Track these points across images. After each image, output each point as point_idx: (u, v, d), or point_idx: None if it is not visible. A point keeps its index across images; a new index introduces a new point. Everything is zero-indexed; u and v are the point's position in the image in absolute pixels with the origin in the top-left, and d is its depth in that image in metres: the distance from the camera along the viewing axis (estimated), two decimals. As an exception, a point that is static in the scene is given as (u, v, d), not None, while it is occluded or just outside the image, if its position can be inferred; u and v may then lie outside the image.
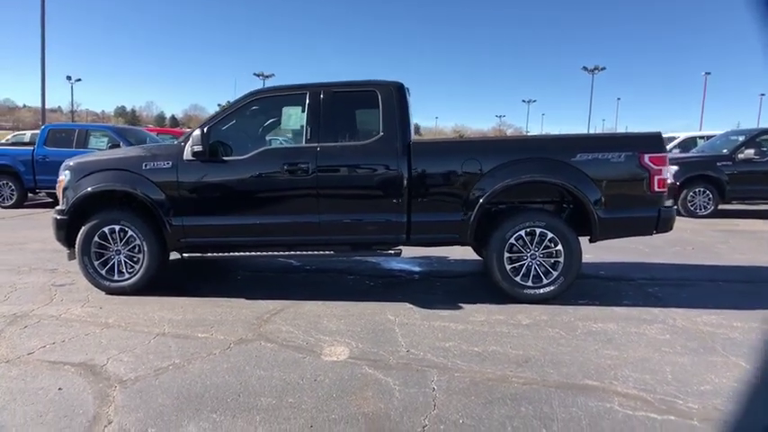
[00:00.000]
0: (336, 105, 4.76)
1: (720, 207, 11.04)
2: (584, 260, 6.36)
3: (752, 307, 4.51)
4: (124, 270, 4.86)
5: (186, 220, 4.74)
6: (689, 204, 10.86)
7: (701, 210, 10.85)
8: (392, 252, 4.75)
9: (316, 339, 3.82)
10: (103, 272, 4.85)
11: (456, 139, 4.99)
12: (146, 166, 4.75)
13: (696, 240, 8.16)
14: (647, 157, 4.48)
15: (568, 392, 3.00)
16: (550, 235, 4.56)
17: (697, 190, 10.90)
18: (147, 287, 4.89)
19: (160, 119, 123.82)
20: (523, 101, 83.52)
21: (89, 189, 4.77)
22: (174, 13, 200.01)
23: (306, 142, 4.68)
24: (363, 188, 4.70)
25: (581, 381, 3.15)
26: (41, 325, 4.10)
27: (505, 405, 2.85)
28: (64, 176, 4.95)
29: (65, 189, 4.91)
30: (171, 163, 4.72)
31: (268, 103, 4.95)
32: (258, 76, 48.63)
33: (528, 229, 4.57)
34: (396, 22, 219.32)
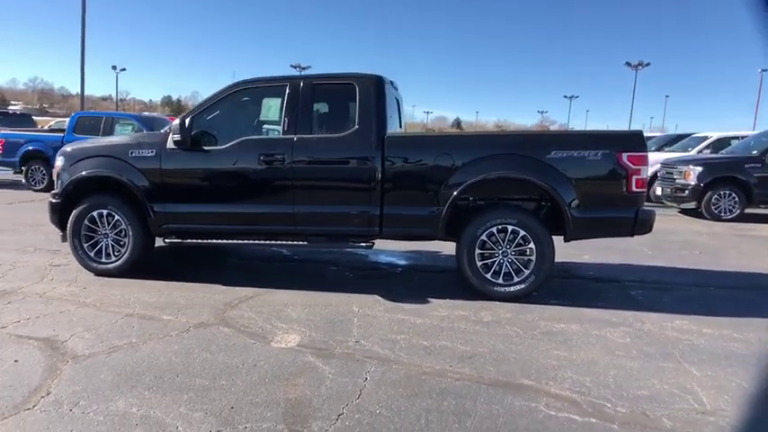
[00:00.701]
0: (315, 97, 4.82)
1: (749, 211, 10.57)
2: (580, 261, 6.34)
3: (731, 314, 4.34)
4: (111, 253, 5.07)
5: (168, 207, 4.91)
6: (713, 207, 10.43)
7: (725, 213, 10.40)
8: (364, 245, 4.79)
9: (272, 326, 3.91)
10: (92, 254, 5.08)
11: (430, 134, 4.99)
12: (131, 153, 4.94)
13: (708, 244, 7.86)
14: (625, 156, 4.36)
15: (499, 390, 2.99)
16: (522, 233, 4.50)
17: (722, 192, 10.45)
18: (137, 270, 5.10)
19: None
20: (565, 96, 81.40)
21: (79, 174, 5.00)
22: (219, 3, 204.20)
23: (283, 133, 4.77)
24: (337, 180, 4.75)
25: (517, 380, 3.13)
26: (24, 301, 4.34)
27: (429, 399, 2.87)
28: (59, 162, 5.21)
29: (59, 174, 5.17)
30: (155, 151, 4.89)
31: (251, 94, 5.06)
32: (295, 67, 49.21)
33: (500, 226, 4.53)
34: (436, 14, 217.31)
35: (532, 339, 3.77)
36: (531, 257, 4.52)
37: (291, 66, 49.23)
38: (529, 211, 4.61)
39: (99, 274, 5.09)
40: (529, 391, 3.00)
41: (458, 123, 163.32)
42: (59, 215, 5.13)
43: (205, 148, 4.84)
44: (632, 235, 4.56)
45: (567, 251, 6.67)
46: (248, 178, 4.81)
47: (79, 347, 3.47)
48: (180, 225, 4.96)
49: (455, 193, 4.51)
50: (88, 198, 5.06)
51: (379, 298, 4.62)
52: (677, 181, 11.06)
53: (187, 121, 4.76)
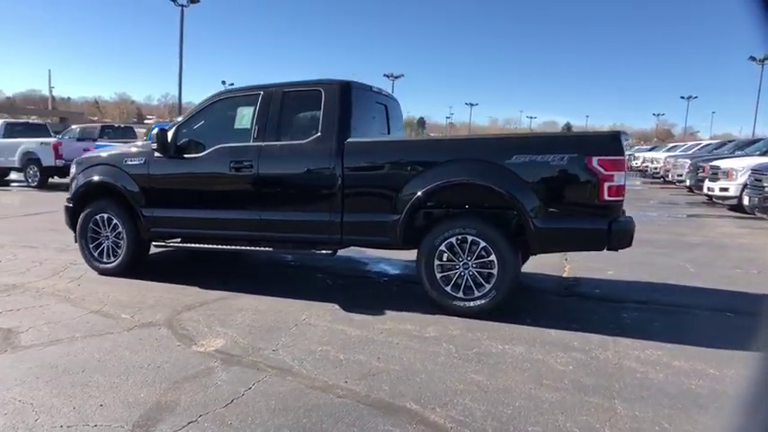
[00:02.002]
0: (285, 105, 4.86)
1: None
2: (597, 276, 5.75)
3: (725, 346, 3.68)
4: (110, 254, 5.48)
5: (155, 212, 5.21)
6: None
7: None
8: (325, 252, 4.72)
9: (209, 330, 3.98)
10: (96, 254, 5.53)
11: (389, 139, 4.77)
12: (126, 161, 5.31)
13: (776, 263, 6.75)
14: (595, 161, 3.89)
15: (373, 412, 2.79)
16: (483, 243, 4.17)
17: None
18: (145, 271, 5.51)
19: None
20: (682, 97, 74.17)
21: (85, 180, 5.47)
22: (308, 8, 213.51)
23: (253, 141, 4.86)
24: (300, 187, 4.75)
25: (403, 402, 2.90)
26: (20, 295, 4.81)
27: (290, 415, 2.75)
28: (73, 169, 5.74)
29: (71, 180, 5.70)
30: (144, 159, 5.22)
31: (230, 103, 5.21)
32: (388, 77, 49.98)
33: (459, 237, 4.24)
34: (540, 20, 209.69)
35: (459, 360, 3.47)
36: (492, 271, 4.18)
37: (384, 75, 50.08)
38: (490, 221, 4.25)
39: (102, 273, 5.52)
40: (406, 415, 2.76)
41: (568, 128, 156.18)
42: (72, 218, 5.64)
43: (185, 156, 5.07)
44: (607, 249, 4.05)
45: (589, 265, 6.14)
46: (221, 185, 4.96)
47: (27, 339, 3.77)
48: (165, 229, 5.24)
49: (412, 200, 4.30)
50: (93, 203, 5.51)
51: (337, 307, 4.52)
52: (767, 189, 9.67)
53: (171, 130, 5.02)
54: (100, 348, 3.61)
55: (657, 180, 22.55)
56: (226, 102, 5.21)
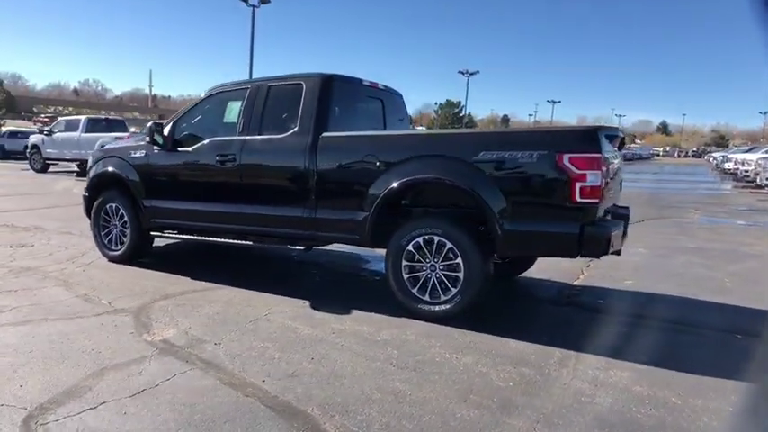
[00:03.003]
0: (269, 100, 4.84)
1: None
2: (610, 286, 5.27)
3: (712, 372, 3.21)
4: (118, 242, 5.75)
5: (154, 203, 5.40)
6: None
7: None
8: (300, 248, 4.66)
9: (171, 320, 4.05)
10: (106, 242, 5.83)
11: (359, 134, 4.58)
12: (131, 153, 5.55)
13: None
14: (566, 158, 3.52)
15: (269, 414, 2.68)
16: (449, 245, 3.93)
17: None
18: (150, 260, 5.78)
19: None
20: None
21: (95, 172, 5.79)
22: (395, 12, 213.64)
23: (238, 135, 4.89)
24: (277, 181, 4.72)
25: (306, 407, 2.76)
26: (28, 277, 5.15)
27: (186, 410, 2.70)
28: (89, 161, 6.09)
29: (88, 171, 6.04)
30: (145, 152, 5.42)
31: (224, 97, 5.28)
32: (463, 73, 49.07)
33: (426, 237, 4.01)
34: (634, 17, 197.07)
35: (394, 366, 3.27)
36: (459, 274, 3.92)
37: (459, 72, 49.25)
38: (457, 222, 3.98)
39: (110, 260, 5.80)
40: (301, 420, 2.63)
41: (664, 127, 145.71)
42: (88, 206, 5.98)
43: (180, 149, 5.20)
44: (580, 255, 3.66)
45: (612, 273, 5.72)
46: (208, 178, 5.05)
47: (3, 318, 4.01)
48: (161, 220, 5.41)
49: (380, 197, 4.13)
50: (104, 193, 5.81)
51: (308, 304, 4.45)
52: None
53: (168, 124, 5.19)
54: (61, 331, 3.77)
55: (749, 184, 20.50)
56: (220, 96, 5.28)
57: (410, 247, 4.08)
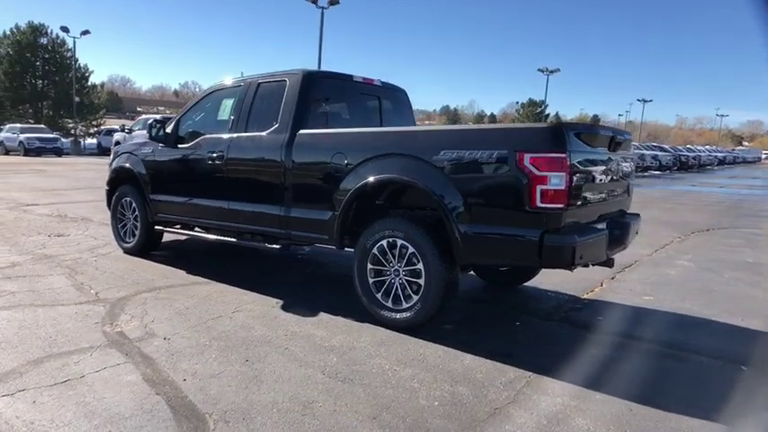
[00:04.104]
0: (257, 97, 4.83)
1: None
2: (629, 303, 4.80)
3: (677, 407, 2.76)
4: (131, 235, 6.00)
5: (158, 197, 5.57)
6: None
7: None
8: (276, 247, 4.60)
9: (140, 312, 4.12)
10: (122, 234, 6.10)
11: (330, 132, 4.38)
12: (141, 150, 5.76)
13: None
14: (527, 159, 3.17)
15: (168, 415, 2.62)
16: (411, 249, 3.69)
17: None
18: (161, 253, 6.04)
19: (479, 117, 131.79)
20: None
21: (115, 167, 6.07)
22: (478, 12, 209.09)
23: (228, 132, 4.92)
24: (257, 179, 4.68)
25: (207, 410, 2.68)
26: (43, 264, 5.49)
27: (95, 404, 2.70)
28: (111, 157, 6.39)
29: (109, 166, 6.35)
30: (152, 148, 5.61)
31: (221, 95, 5.33)
32: (542, 71, 47.18)
33: (390, 240, 3.81)
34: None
35: (324, 375, 3.11)
36: (420, 281, 3.67)
37: (539, 70, 47.45)
38: (420, 225, 3.72)
39: (125, 251, 6.07)
40: (194, 423, 2.55)
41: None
42: (108, 200, 6.29)
43: (180, 146, 5.33)
44: (540, 266, 3.29)
45: (635, 287, 5.35)
46: (199, 174, 5.12)
47: (-6, 301, 4.28)
48: (163, 214, 5.57)
49: (346, 197, 3.97)
50: (121, 187, 6.08)
51: (279, 304, 4.38)
52: None
53: (173, 121, 5.34)
54: (35, 317, 3.95)
55: None
56: (219, 93, 5.35)
57: (375, 251, 3.89)
